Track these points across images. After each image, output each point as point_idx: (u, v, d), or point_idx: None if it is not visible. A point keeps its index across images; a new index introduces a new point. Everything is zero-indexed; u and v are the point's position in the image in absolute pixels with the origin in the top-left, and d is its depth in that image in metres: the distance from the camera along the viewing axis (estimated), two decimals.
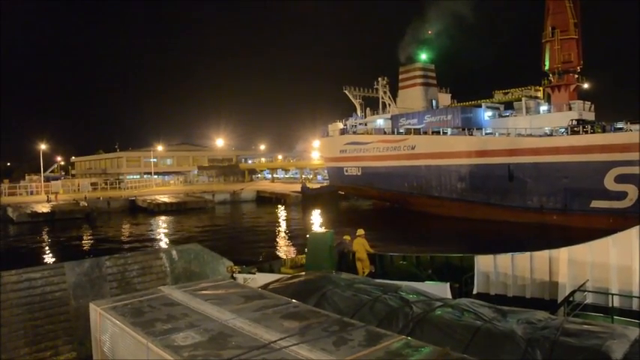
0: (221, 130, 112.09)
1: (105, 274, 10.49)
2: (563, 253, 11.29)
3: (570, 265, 11.12)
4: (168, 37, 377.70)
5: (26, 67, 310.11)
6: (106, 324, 6.24)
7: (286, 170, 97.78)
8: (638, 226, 10.26)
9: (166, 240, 36.27)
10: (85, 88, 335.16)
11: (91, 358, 6.91)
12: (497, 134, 43.07)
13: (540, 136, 39.04)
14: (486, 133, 43.89)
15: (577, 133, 36.28)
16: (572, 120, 38.65)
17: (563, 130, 37.99)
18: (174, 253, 12.00)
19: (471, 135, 43.41)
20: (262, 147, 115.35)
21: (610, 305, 9.87)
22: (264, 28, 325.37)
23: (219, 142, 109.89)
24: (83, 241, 36.92)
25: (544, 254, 11.78)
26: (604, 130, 35.17)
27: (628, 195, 33.17)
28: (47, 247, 34.45)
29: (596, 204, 34.69)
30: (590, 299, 10.48)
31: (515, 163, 38.91)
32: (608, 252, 10.65)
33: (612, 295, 9.97)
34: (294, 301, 6.74)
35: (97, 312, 6.49)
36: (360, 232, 15.32)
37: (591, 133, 35.41)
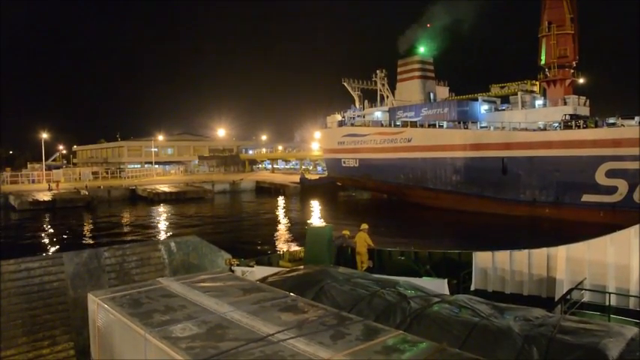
0: (222, 121, 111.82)
1: (103, 264, 10.48)
2: (561, 251, 11.31)
3: (568, 263, 11.14)
4: (170, 27, 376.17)
5: (29, 56, 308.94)
6: (103, 314, 6.25)
7: (287, 161, 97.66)
8: (636, 226, 10.26)
9: (165, 230, 36.33)
10: (88, 78, 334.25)
11: (88, 348, 6.94)
12: (492, 128, 43.17)
13: (534, 130, 39.16)
14: (482, 127, 43.99)
15: (570, 127, 36.43)
16: (565, 115, 38.73)
17: (556, 124, 38.11)
18: (172, 244, 11.98)
19: (467, 128, 43.53)
20: (263, 137, 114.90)
21: (607, 304, 9.89)
22: (265, 20, 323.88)
23: (221, 132, 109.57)
24: (83, 230, 37.02)
25: (542, 252, 11.80)
26: (597, 125, 35.31)
27: (618, 189, 33.46)
28: (48, 236, 34.53)
29: (587, 198, 34.96)
30: (587, 297, 10.51)
31: (509, 156, 39.10)
32: (605, 250, 10.66)
33: (609, 293, 10.00)
34: (292, 294, 6.73)
35: (95, 302, 6.49)
36: (364, 226, 15.32)
37: (584, 128, 35.58)
